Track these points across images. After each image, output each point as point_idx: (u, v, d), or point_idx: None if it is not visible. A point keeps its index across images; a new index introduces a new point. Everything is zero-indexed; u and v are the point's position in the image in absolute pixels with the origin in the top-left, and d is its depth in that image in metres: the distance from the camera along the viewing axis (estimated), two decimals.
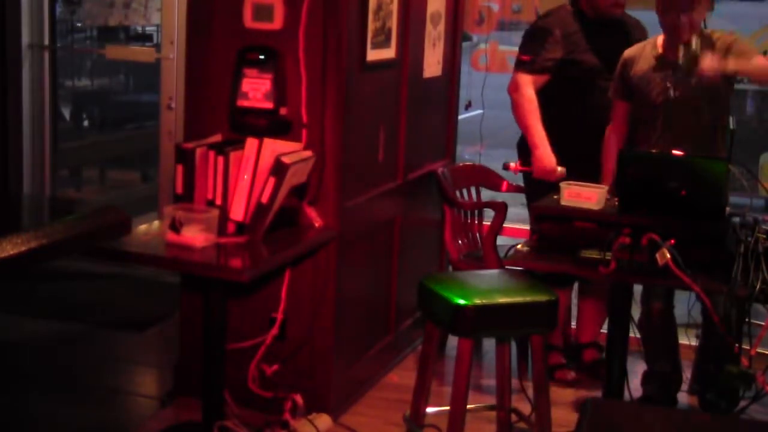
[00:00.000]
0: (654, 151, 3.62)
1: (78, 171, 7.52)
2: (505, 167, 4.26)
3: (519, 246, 3.30)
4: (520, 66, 4.13)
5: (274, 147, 3.39)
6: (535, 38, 4.14)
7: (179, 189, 3.40)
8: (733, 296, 2.96)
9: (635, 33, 4.17)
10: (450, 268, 4.55)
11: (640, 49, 3.86)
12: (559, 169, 4.00)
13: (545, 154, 4.04)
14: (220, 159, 3.36)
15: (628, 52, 3.88)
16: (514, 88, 4.13)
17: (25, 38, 5.55)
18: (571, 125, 4.13)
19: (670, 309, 3.87)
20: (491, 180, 4.64)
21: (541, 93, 4.12)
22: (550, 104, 4.12)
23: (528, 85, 4.08)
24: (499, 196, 4.57)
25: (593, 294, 4.31)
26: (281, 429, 3.59)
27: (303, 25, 3.56)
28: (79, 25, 6.89)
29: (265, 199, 3.34)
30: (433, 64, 4.40)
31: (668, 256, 2.92)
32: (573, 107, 4.12)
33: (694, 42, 3.58)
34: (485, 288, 3.19)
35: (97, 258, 3.43)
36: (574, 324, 4.87)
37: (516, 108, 4.13)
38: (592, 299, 4.33)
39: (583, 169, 3.85)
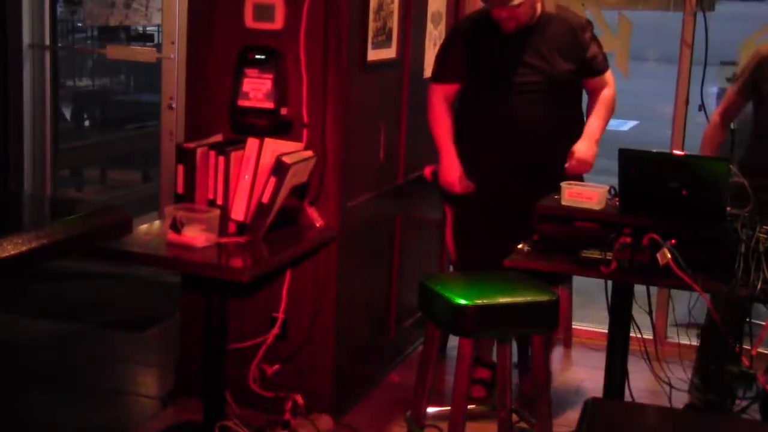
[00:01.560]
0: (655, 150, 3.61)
1: (79, 171, 7.54)
2: (425, 173, 4.20)
3: (519, 246, 3.30)
4: (431, 78, 4.00)
5: (274, 147, 3.39)
6: (441, 49, 4.01)
7: (180, 189, 3.40)
8: (734, 296, 2.95)
9: (560, 34, 3.82)
10: (450, 268, 4.55)
11: None
12: (465, 183, 3.88)
13: (447, 167, 3.89)
14: (221, 159, 3.36)
15: (767, 50, 3.76)
16: (427, 100, 3.97)
17: (26, 38, 5.55)
18: (484, 133, 3.89)
19: (744, 318, 3.76)
20: None
21: (457, 102, 3.96)
22: (463, 113, 3.95)
23: (437, 94, 3.92)
24: None
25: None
26: (282, 429, 3.59)
27: (304, 25, 3.56)
28: (79, 25, 6.91)
29: (265, 199, 3.34)
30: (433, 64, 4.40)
31: (669, 256, 2.92)
32: (482, 114, 3.87)
33: None
34: (485, 288, 3.19)
35: (97, 258, 3.42)
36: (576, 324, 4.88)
37: (428, 119, 3.97)
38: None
39: (505, 176, 3.80)
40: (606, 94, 3.93)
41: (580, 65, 3.84)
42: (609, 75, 3.96)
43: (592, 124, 3.88)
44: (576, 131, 3.85)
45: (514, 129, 3.79)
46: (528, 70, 3.78)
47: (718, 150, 3.91)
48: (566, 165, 3.72)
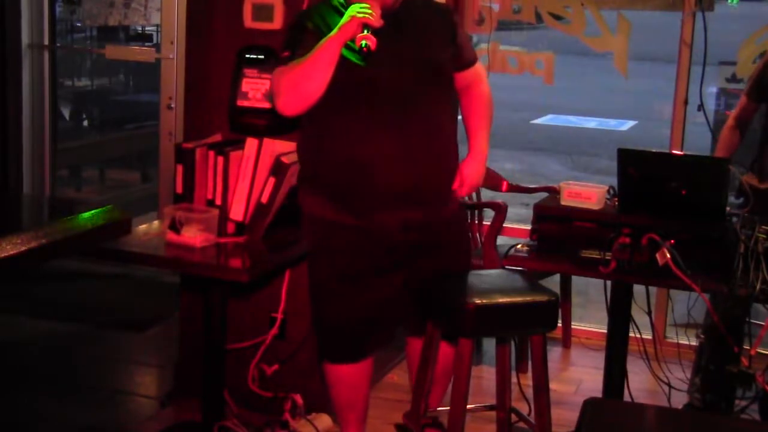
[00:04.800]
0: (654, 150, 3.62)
1: (78, 171, 7.54)
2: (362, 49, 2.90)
3: (519, 246, 3.30)
4: (281, 62, 3.06)
5: (273, 147, 3.39)
6: (290, 33, 3.14)
7: (179, 189, 3.40)
8: (733, 296, 2.96)
9: (429, 16, 3.14)
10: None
11: None
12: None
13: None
14: (220, 159, 3.36)
15: None
16: (275, 84, 3.05)
17: (25, 38, 5.56)
18: (335, 134, 3.12)
19: (745, 316, 3.74)
20: (491, 180, 4.64)
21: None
22: (323, 121, 3.13)
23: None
24: (499, 196, 4.57)
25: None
26: (281, 429, 3.59)
27: None
28: (78, 24, 6.90)
29: (264, 199, 3.33)
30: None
31: (668, 256, 2.92)
32: (345, 116, 3.09)
33: None
34: (485, 288, 3.19)
35: (97, 258, 3.42)
36: (576, 325, 4.86)
37: (280, 88, 3.02)
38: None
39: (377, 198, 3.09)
40: (482, 93, 3.26)
41: (453, 52, 3.15)
42: (480, 67, 3.30)
43: (479, 139, 3.22)
44: (450, 138, 3.18)
45: (381, 134, 3.05)
46: (401, 58, 3.04)
47: (733, 152, 3.89)
48: (453, 186, 3.18)
